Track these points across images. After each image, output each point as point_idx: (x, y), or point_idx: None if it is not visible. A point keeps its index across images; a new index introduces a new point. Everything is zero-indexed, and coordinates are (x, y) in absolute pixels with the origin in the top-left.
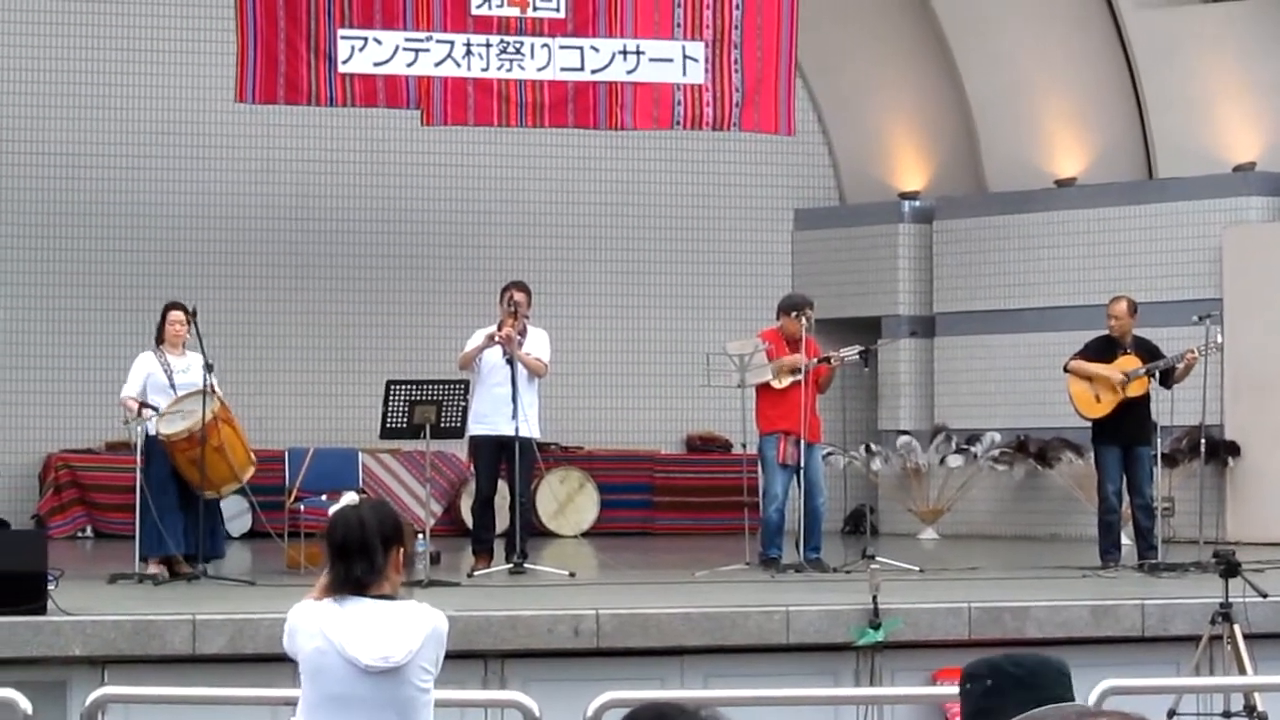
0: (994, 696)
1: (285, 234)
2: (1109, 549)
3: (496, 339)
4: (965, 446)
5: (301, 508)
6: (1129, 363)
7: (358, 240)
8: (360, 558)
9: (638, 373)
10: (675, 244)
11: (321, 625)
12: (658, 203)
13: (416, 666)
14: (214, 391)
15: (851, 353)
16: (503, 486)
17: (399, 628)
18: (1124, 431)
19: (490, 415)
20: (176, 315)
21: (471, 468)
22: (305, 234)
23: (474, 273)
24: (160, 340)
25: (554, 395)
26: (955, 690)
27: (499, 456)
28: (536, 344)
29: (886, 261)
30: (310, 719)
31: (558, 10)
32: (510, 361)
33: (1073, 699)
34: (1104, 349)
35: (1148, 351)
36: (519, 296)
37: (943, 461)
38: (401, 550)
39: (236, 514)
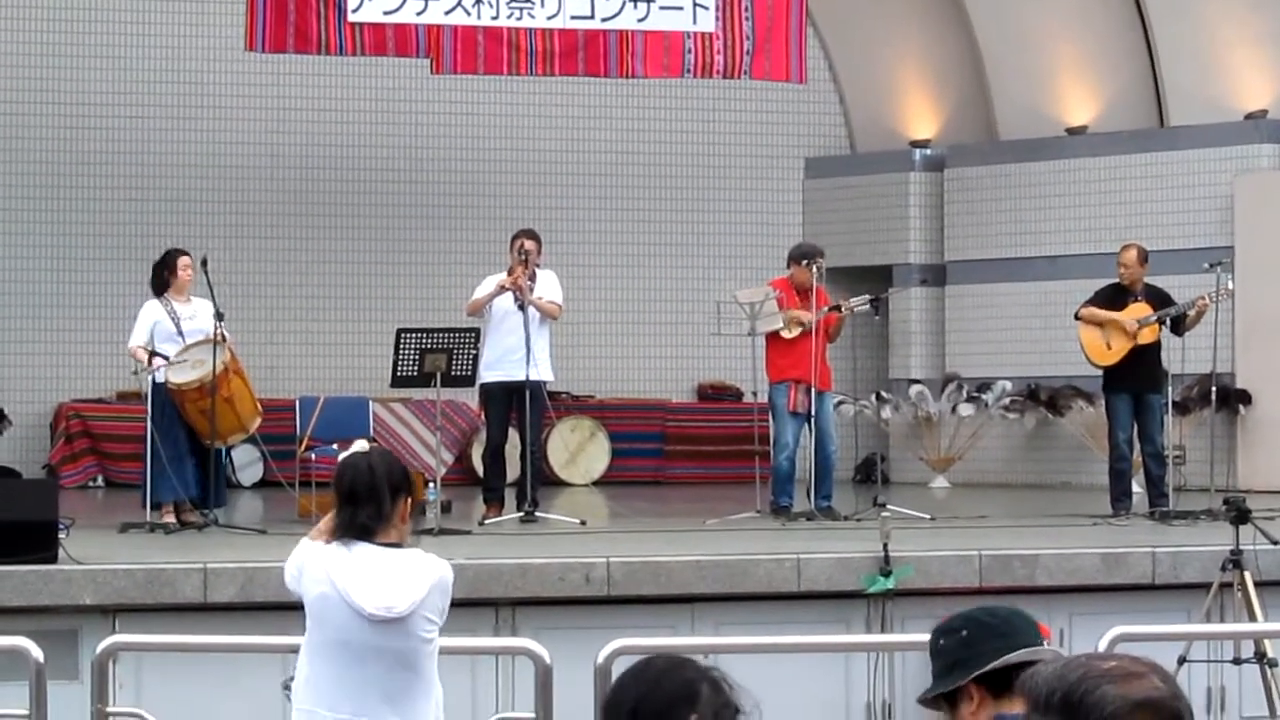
0: (969, 647)
1: (295, 183)
2: (1120, 497)
3: (507, 285)
4: (976, 395)
5: (313, 456)
6: (1139, 310)
7: (368, 189)
8: (368, 503)
9: (648, 321)
10: (686, 192)
11: (328, 569)
12: (668, 151)
13: (420, 617)
14: (224, 341)
15: (862, 301)
16: (514, 435)
17: (404, 577)
18: (1135, 379)
19: (501, 361)
20: (185, 260)
21: (482, 416)
22: (315, 183)
23: (484, 221)
24: (163, 288)
25: (565, 344)
26: None
27: (510, 404)
28: (547, 286)
29: (897, 210)
30: (313, 659)
31: None
32: (522, 307)
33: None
34: (1114, 297)
35: (1158, 299)
36: (529, 245)
37: (954, 410)
38: (409, 501)
39: (248, 463)
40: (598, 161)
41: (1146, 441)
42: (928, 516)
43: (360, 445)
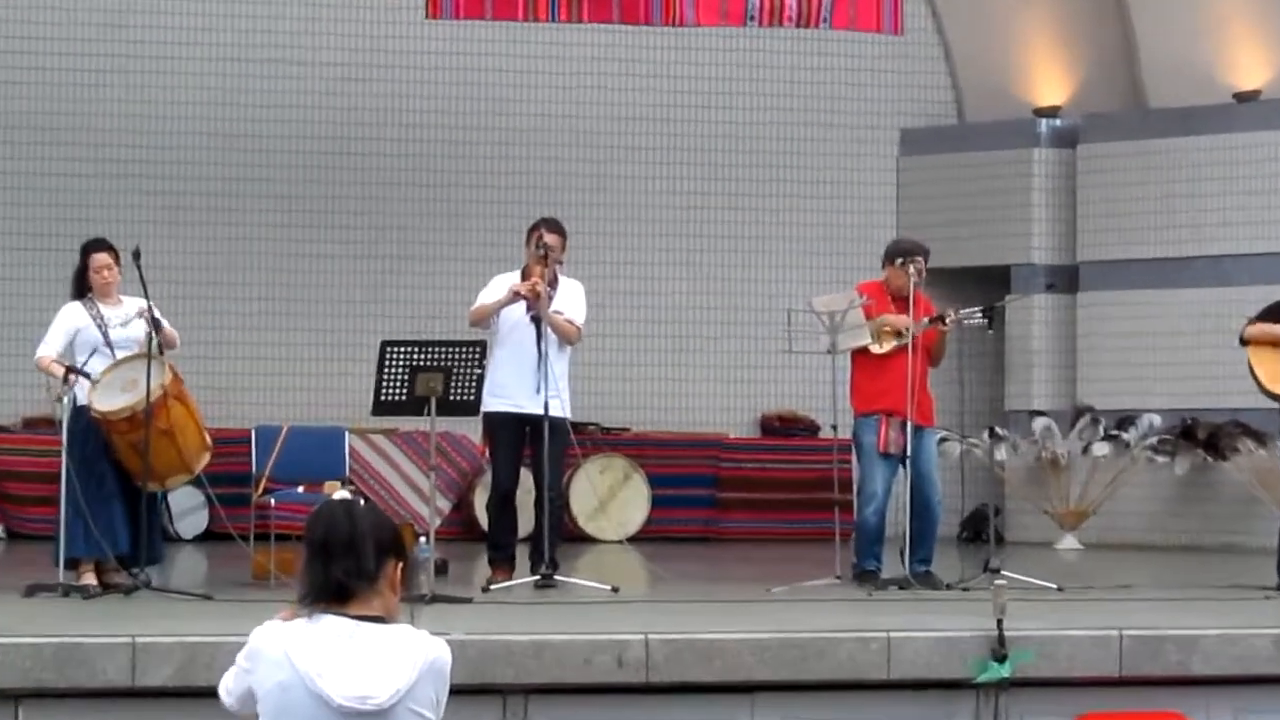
0: None
1: (252, 155)
2: None
3: (523, 292)
4: (1116, 432)
5: (272, 502)
6: None
7: (345, 164)
8: (345, 558)
9: (698, 335)
10: (749, 175)
11: (288, 649)
12: (726, 122)
13: (407, 710)
14: (161, 355)
15: (973, 313)
16: (527, 478)
17: (387, 659)
18: None
19: (511, 387)
20: (102, 259)
21: (487, 453)
22: (277, 155)
23: (493, 206)
24: (83, 291)
25: (593, 364)
26: None
27: (522, 438)
28: (568, 300)
29: (1018, 196)
30: None
31: None
32: (536, 319)
33: None
34: None
35: None
36: (551, 239)
37: (1087, 450)
38: (401, 565)
39: (190, 510)
40: (635, 135)
41: None
42: (1054, 586)
43: (340, 492)
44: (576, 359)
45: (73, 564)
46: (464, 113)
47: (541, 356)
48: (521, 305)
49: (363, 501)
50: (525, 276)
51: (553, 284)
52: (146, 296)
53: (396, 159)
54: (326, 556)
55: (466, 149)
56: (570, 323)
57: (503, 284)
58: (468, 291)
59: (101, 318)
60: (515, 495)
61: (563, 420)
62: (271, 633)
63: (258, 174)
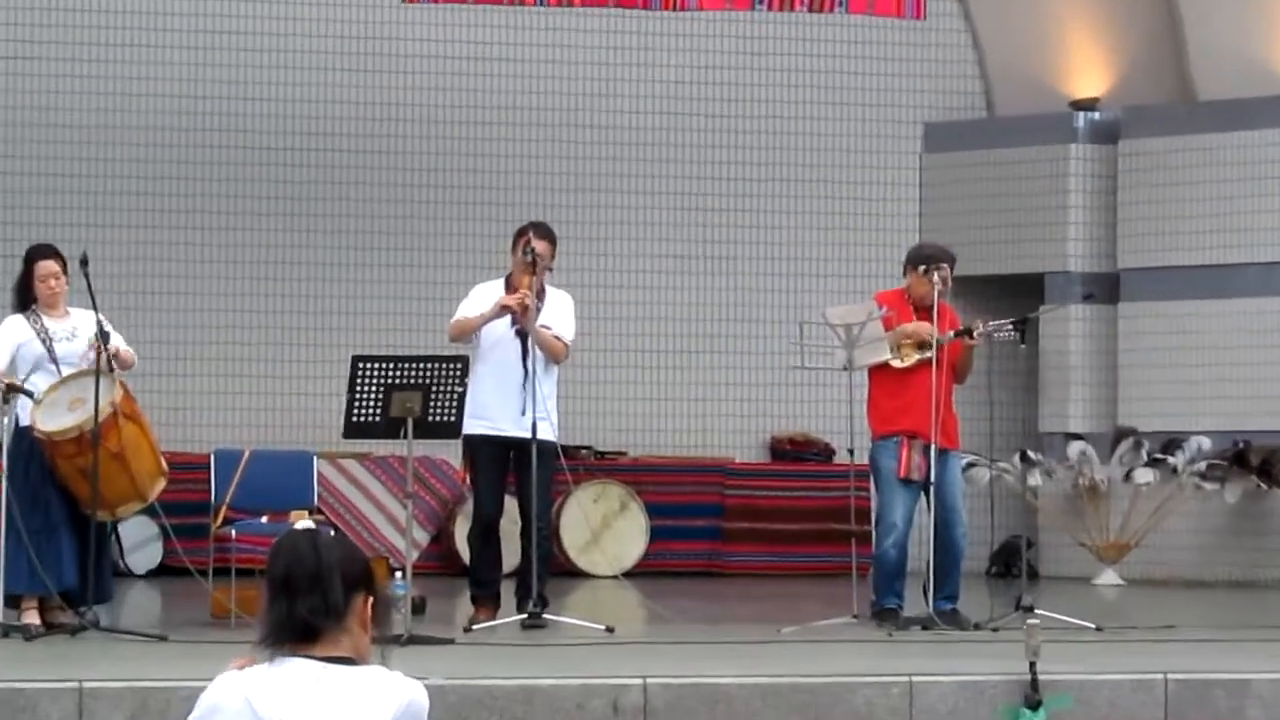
0: None
1: (211, 153)
2: None
3: (512, 305)
4: (1160, 456)
5: (233, 534)
6: None
7: (314, 159)
8: (310, 594)
9: (702, 349)
10: (756, 174)
11: (249, 696)
12: (732, 116)
13: None
14: (111, 371)
15: (1003, 325)
16: (512, 507)
17: (358, 703)
18: None
19: (493, 408)
20: (48, 267)
21: (468, 480)
22: (239, 150)
23: (477, 208)
24: (27, 302)
25: (586, 382)
26: None
27: (506, 464)
28: (556, 313)
29: (1053, 197)
30: None
31: None
32: (522, 334)
33: None
34: None
35: None
36: (539, 245)
37: (1129, 477)
38: (372, 601)
39: (142, 542)
40: (632, 131)
41: None
42: (1093, 626)
43: (305, 522)
44: (567, 376)
45: (14, 601)
46: (446, 106)
47: (528, 374)
48: (506, 319)
49: (331, 532)
50: (510, 285)
51: (540, 295)
52: (95, 308)
53: (372, 156)
54: (289, 593)
55: (448, 144)
56: (558, 339)
57: (484, 294)
58: (448, 302)
59: (46, 331)
60: (499, 526)
61: (551, 444)
62: (228, 683)
63: (216, 173)
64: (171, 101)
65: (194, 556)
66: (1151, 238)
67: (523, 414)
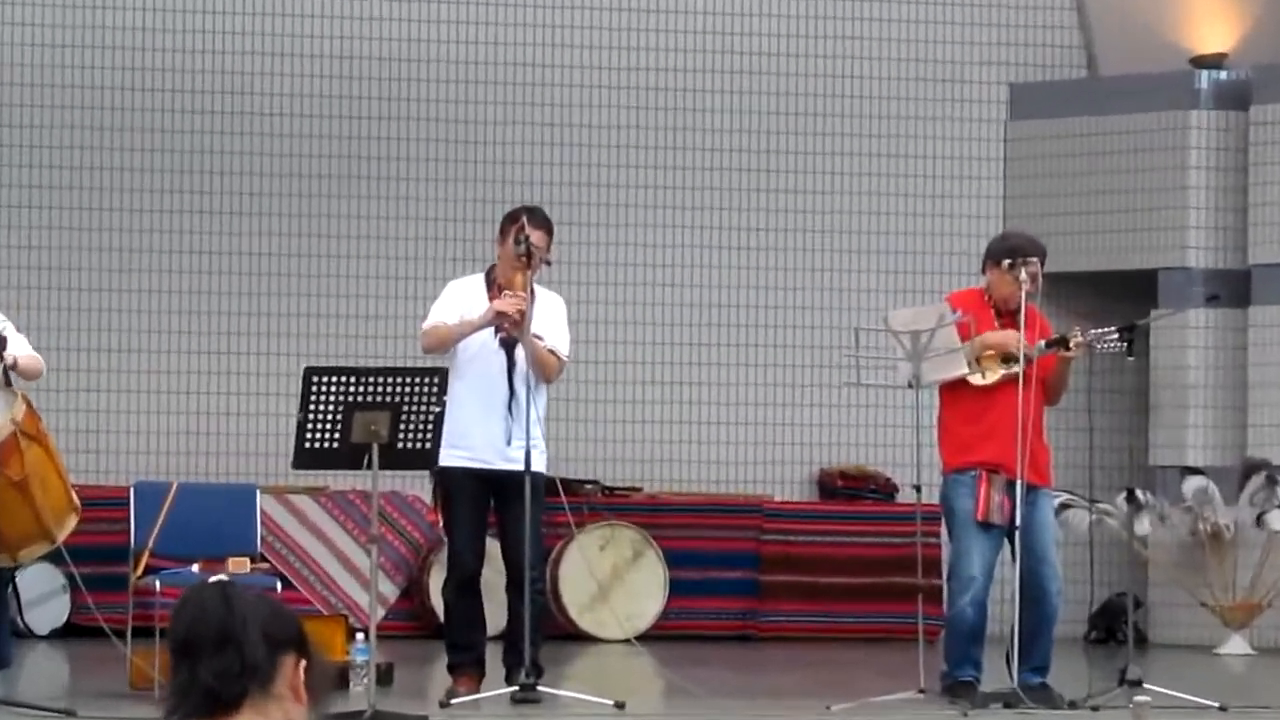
0: None
1: (130, 118)
2: None
3: (508, 311)
4: None
5: (156, 585)
6: None
7: (260, 126)
8: (217, 655)
9: (733, 363)
10: (802, 147)
11: None
12: (771, 74)
13: None
14: (8, 385)
15: (1107, 334)
16: (497, 553)
17: None
18: None
19: (473, 434)
20: None
21: (441, 522)
22: (166, 117)
23: (455, 186)
24: None
25: (591, 401)
26: None
27: (487, 503)
28: (548, 321)
29: (1168, 175)
30: None
31: None
32: (507, 344)
33: None
34: None
35: None
36: (535, 235)
37: (1261, 521)
38: (304, 663)
39: (45, 596)
40: (649, 91)
41: None
42: (1216, 705)
43: (218, 576)
44: (568, 395)
45: None
46: (416, 60)
47: (514, 394)
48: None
49: (255, 589)
50: (491, 283)
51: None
52: None
53: (330, 123)
54: (191, 655)
55: (422, 109)
56: (553, 353)
57: (461, 293)
58: (422, 302)
59: None
60: (481, 577)
61: (542, 477)
62: None
63: (136, 141)
64: (85, 55)
65: (109, 613)
66: None
67: (508, 442)
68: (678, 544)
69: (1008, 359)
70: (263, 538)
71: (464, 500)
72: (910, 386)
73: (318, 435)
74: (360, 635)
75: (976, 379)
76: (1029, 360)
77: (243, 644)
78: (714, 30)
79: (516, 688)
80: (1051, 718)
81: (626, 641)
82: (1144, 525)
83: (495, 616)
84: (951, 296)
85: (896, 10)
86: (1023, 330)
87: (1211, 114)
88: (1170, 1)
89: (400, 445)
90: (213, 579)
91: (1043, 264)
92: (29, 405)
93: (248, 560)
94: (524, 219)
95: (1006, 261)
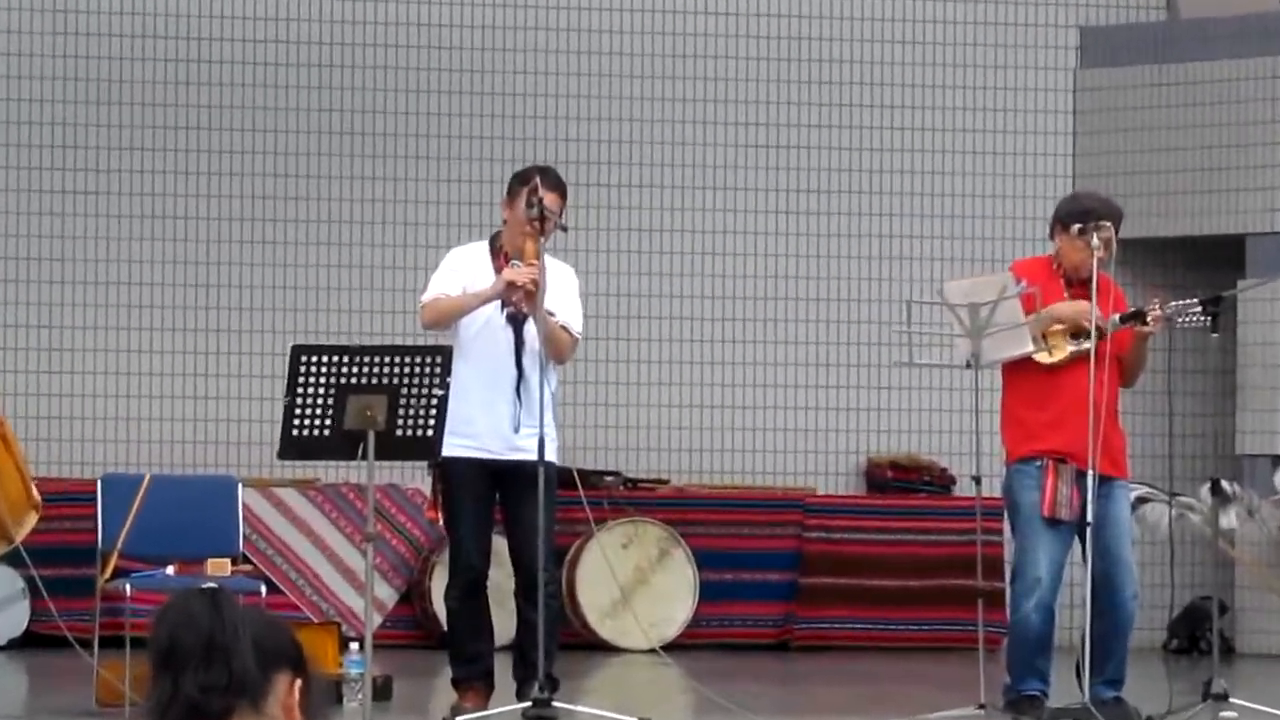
0: None
1: (103, 89)
2: None
3: (520, 283)
4: None
5: (126, 590)
6: None
7: (243, 82)
8: (203, 666)
9: (768, 339)
10: (843, 99)
11: None
12: (815, 18)
13: None
14: None
15: (1188, 306)
16: (507, 554)
17: None
18: None
19: (477, 420)
20: None
21: (442, 519)
22: (139, 66)
23: (459, 144)
24: None
25: (611, 384)
26: None
27: (493, 496)
28: (558, 295)
29: (1258, 129)
30: None
31: None
32: (515, 319)
33: None
34: None
35: None
36: (549, 198)
37: None
38: (301, 682)
39: (2, 601)
40: (672, 36)
41: None
42: None
43: (222, 572)
44: (587, 377)
45: None
46: (417, 24)
47: (523, 375)
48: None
49: (247, 597)
50: (499, 251)
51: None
52: None
53: (317, 73)
54: (174, 666)
55: (417, 57)
56: (565, 329)
57: (465, 262)
58: (421, 273)
59: None
60: (488, 580)
61: (553, 468)
62: None
63: (105, 114)
64: (50, 16)
65: (73, 621)
66: None
67: (516, 430)
68: (708, 543)
69: (1078, 335)
70: (245, 536)
71: (468, 494)
72: (968, 366)
73: (306, 421)
74: (354, 645)
75: (1043, 357)
76: (1102, 336)
77: (232, 655)
78: None
79: (529, 703)
80: None
81: (651, 651)
82: (1230, 520)
83: (504, 624)
84: (1015, 265)
85: None
86: (1095, 303)
87: None
88: None
89: (399, 432)
90: (204, 585)
91: (1117, 229)
92: None
93: (228, 562)
94: (537, 179)
95: (1077, 226)
